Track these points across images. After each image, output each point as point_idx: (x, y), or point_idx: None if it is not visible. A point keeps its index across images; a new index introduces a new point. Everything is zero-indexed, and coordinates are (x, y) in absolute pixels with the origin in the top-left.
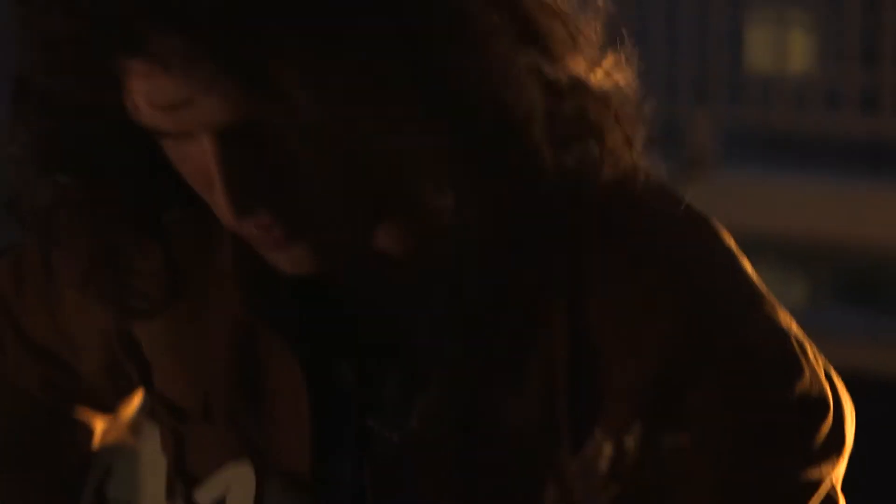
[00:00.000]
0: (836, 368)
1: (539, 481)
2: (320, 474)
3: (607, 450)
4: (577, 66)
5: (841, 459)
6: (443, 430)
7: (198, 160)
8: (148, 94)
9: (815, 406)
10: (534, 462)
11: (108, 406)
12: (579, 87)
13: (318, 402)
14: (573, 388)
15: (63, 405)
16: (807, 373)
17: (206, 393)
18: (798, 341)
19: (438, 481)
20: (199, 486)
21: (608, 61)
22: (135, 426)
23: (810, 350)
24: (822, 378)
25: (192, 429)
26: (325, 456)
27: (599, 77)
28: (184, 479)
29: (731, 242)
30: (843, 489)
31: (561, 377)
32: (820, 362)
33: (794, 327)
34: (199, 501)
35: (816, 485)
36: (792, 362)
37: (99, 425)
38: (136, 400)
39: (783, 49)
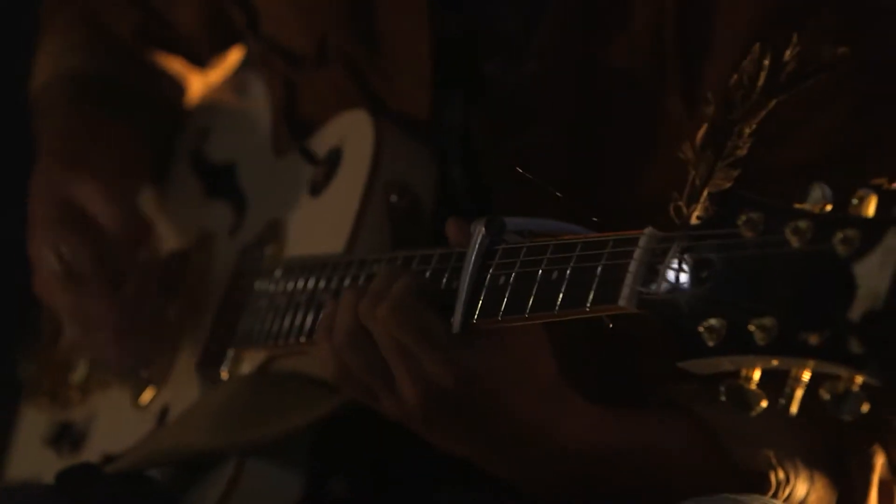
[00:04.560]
0: None
1: (651, 122)
2: (436, 116)
3: (765, 62)
4: None
5: None
6: (555, 69)
7: None
8: None
9: None
10: (642, 98)
11: (203, 60)
12: None
13: (439, 44)
14: (682, 17)
15: (152, 51)
16: None
17: (322, 35)
18: None
19: (554, 120)
20: (311, 135)
21: None
22: (237, 83)
23: None
24: None
25: (306, 75)
26: (442, 97)
27: None
28: (294, 128)
29: None
30: None
31: (670, 8)
32: None
33: None
34: (312, 149)
35: None
36: None
37: (194, 81)
38: (234, 58)
39: None
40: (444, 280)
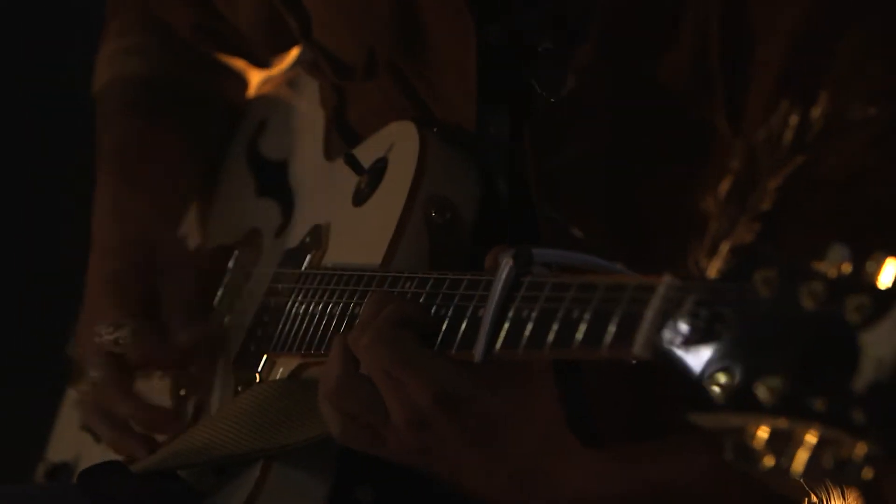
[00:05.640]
0: None
1: (695, 142)
2: (482, 129)
3: (793, 120)
4: None
5: None
6: (597, 87)
7: None
8: None
9: None
10: (685, 118)
11: (262, 61)
12: None
13: (483, 57)
14: (727, 43)
15: (213, 51)
16: None
17: (370, 47)
18: None
19: (593, 138)
20: (359, 144)
21: None
22: (291, 79)
23: None
24: None
25: (355, 85)
26: (487, 111)
27: None
28: (344, 135)
29: None
30: None
31: (715, 30)
32: None
33: None
34: (359, 158)
35: None
36: None
37: (254, 77)
38: (292, 56)
39: None
40: (471, 308)
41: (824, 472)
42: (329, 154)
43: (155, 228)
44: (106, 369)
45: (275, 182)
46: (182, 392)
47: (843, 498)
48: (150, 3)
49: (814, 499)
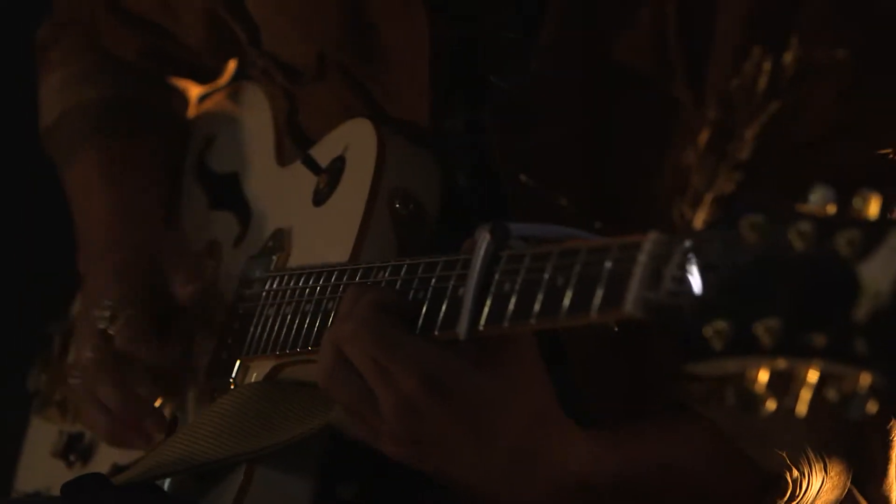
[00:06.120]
0: None
1: (660, 114)
2: (437, 123)
3: (766, 65)
4: None
5: None
6: (563, 65)
7: None
8: None
9: None
10: (648, 93)
11: (209, 73)
12: None
13: (436, 52)
14: (683, 12)
15: (162, 74)
16: None
17: (320, 48)
18: None
19: (564, 120)
20: (314, 144)
21: None
22: (232, 92)
23: None
24: None
25: (306, 88)
26: (442, 107)
27: None
28: (297, 139)
29: None
30: None
31: (671, 10)
32: None
33: None
34: (316, 159)
35: None
36: None
37: (194, 92)
38: (230, 70)
39: None
40: (450, 288)
41: (829, 408)
42: (282, 160)
43: (157, 226)
44: (98, 351)
45: (227, 194)
46: (158, 402)
47: (826, 472)
48: (92, 30)
49: (795, 473)
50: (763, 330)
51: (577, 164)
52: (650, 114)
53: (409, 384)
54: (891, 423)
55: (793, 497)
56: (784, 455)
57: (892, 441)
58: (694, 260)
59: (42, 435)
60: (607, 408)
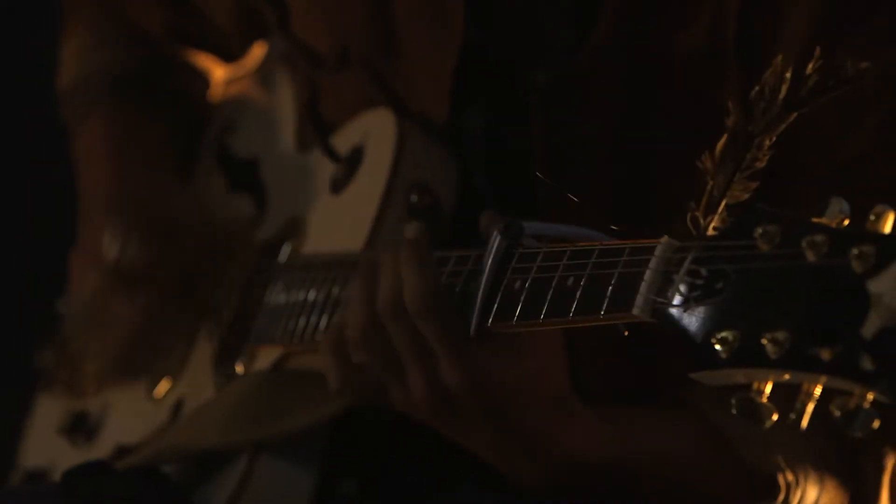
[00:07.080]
0: None
1: (707, 121)
2: (457, 122)
3: (787, 75)
4: None
5: None
6: (613, 61)
7: None
8: None
9: None
10: (700, 92)
11: (234, 55)
12: None
13: (463, 55)
14: (744, 19)
15: (183, 50)
16: None
17: (346, 41)
18: None
19: (604, 115)
20: (334, 132)
21: None
22: (258, 77)
23: None
24: None
25: (328, 77)
26: (462, 105)
27: None
28: (318, 126)
29: None
30: None
31: (731, 15)
32: None
33: None
34: (335, 147)
35: None
36: None
37: (218, 73)
38: (257, 55)
39: None
40: (461, 283)
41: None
42: (301, 146)
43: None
44: (108, 279)
45: (246, 178)
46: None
47: (821, 483)
48: (124, 6)
49: (790, 476)
50: (770, 342)
51: (609, 162)
52: (695, 120)
53: (453, 379)
54: (884, 448)
55: (786, 502)
56: (780, 459)
57: (884, 465)
58: (705, 267)
59: (48, 412)
60: (610, 403)
